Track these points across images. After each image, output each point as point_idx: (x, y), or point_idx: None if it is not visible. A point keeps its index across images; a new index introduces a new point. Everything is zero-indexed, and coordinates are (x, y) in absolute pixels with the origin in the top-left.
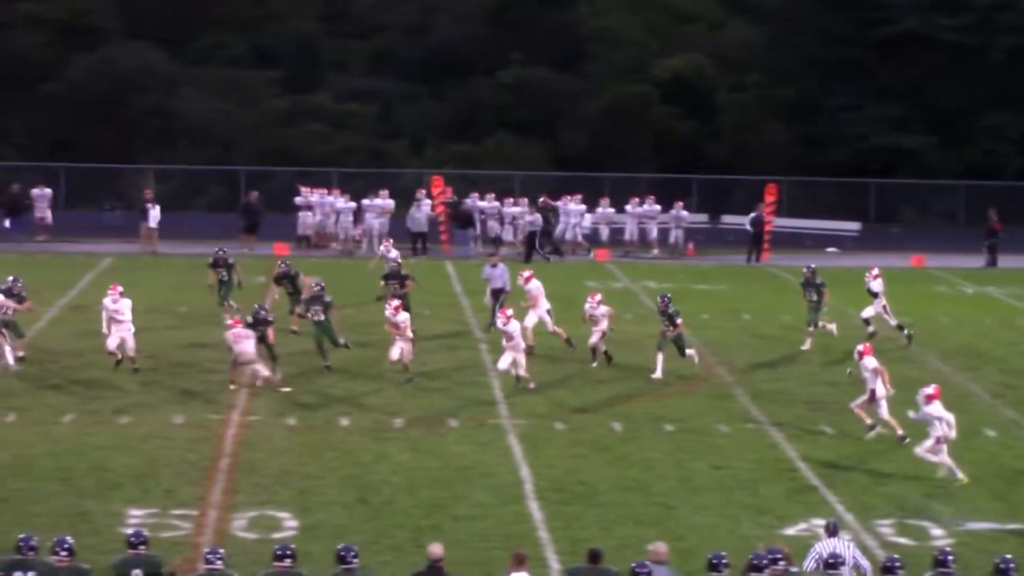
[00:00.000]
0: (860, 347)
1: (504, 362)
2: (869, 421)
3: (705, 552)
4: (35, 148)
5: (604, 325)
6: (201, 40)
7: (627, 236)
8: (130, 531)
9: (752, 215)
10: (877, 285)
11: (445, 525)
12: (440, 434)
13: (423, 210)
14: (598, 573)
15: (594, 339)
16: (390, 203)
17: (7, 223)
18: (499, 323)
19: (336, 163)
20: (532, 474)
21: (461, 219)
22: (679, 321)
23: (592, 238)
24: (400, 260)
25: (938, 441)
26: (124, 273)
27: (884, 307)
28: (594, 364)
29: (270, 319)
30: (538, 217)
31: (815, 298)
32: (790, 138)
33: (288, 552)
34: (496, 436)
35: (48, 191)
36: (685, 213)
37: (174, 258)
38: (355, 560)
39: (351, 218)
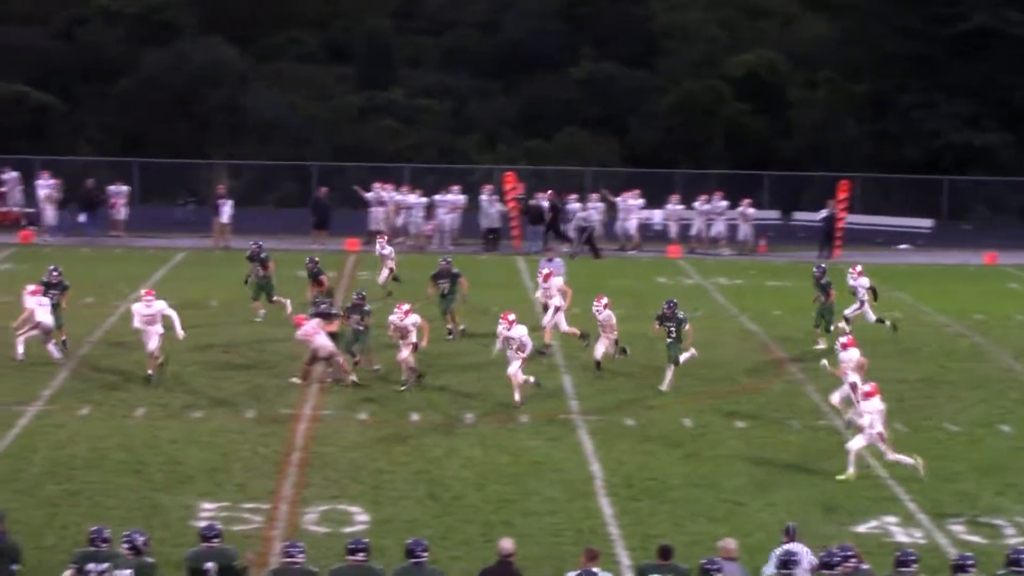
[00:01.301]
0: (843, 339)
1: (513, 368)
2: (849, 416)
3: (775, 549)
4: (109, 143)
5: (615, 334)
6: (274, 36)
7: (694, 232)
8: (203, 524)
9: (823, 211)
10: (865, 281)
11: (515, 520)
12: (510, 429)
13: (495, 206)
14: (668, 569)
15: (604, 348)
16: (461, 199)
17: (82, 218)
18: (501, 328)
19: (408, 159)
20: (602, 469)
21: (533, 215)
22: (688, 328)
23: (663, 234)
24: (393, 258)
25: (876, 438)
26: (196, 267)
27: (864, 303)
28: (597, 372)
29: (335, 312)
30: (592, 212)
31: (823, 299)
32: (863, 134)
33: (361, 546)
34: (566, 431)
35: (125, 187)
36: (752, 210)
37: (246, 253)
38: (424, 554)
39: (422, 214)
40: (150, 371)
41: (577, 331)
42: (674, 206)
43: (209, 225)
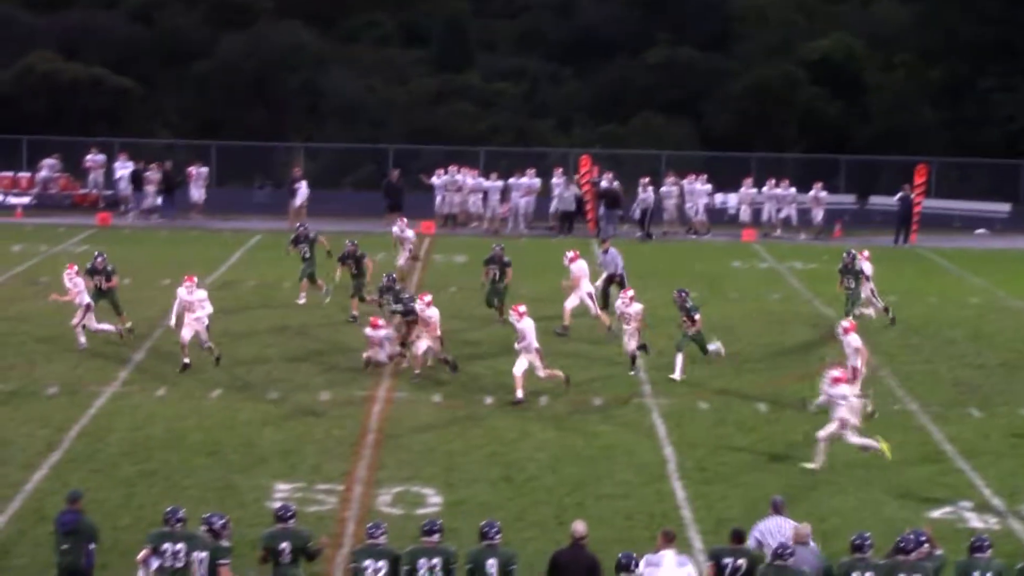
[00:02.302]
0: (844, 323)
1: (519, 367)
2: (868, 408)
3: (848, 533)
4: (187, 126)
5: (635, 325)
6: (352, 19)
7: (764, 217)
8: (277, 505)
9: (899, 196)
10: (868, 267)
11: (588, 503)
12: (584, 412)
13: (571, 189)
14: (741, 553)
15: (631, 343)
16: (536, 182)
17: (160, 200)
18: (512, 318)
19: (483, 142)
20: (676, 453)
21: (609, 199)
22: (698, 316)
23: (736, 218)
24: (413, 241)
25: (842, 425)
26: (272, 250)
27: (872, 290)
28: (633, 372)
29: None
30: (650, 195)
31: (853, 285)
32: (940, 119)
33: (435, 527)
34: (640, 415)
35: (204, 170)
36: (824, 194)
37: (322, 235)
38: (498, 536)
39: (498, 197)
40: (186, 360)
41: (606, 320)
42: (747, 190)
43: (285, 208)
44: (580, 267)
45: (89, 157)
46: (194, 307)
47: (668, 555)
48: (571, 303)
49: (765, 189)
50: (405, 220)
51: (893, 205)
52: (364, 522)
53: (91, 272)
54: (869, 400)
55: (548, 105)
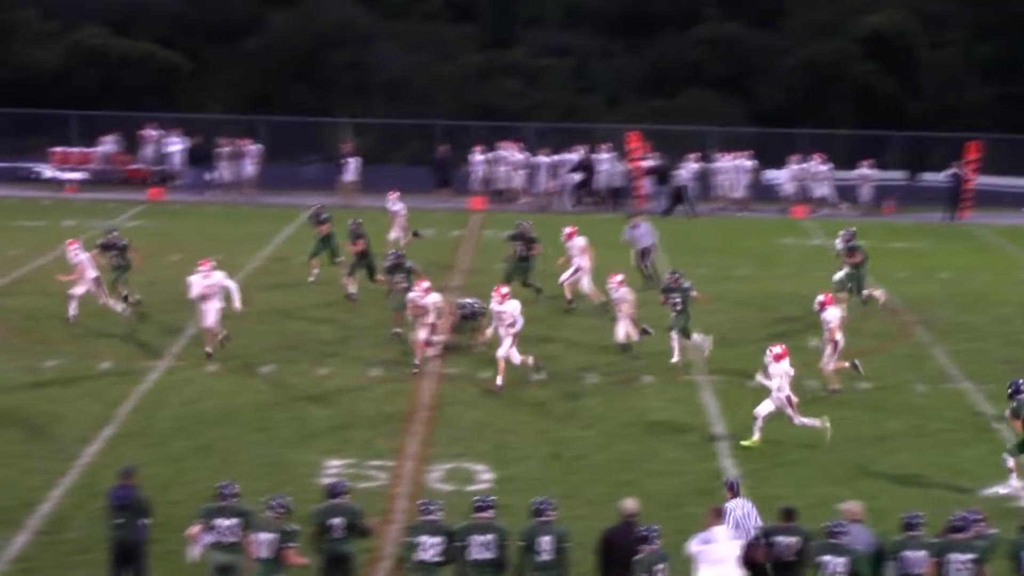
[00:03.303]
0: (821, 297)
1: (504, 348)
2: (836, 386)
3: (899, 512)
4: (236, 102)
5: (626, 309)
6: None
7: (818, 193)
8: (329, 481)
9: (948, 172)
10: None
11: (638, 480)
12: (634, 390)
13: (617, 165)
14: (791, 531)
15: (624, 328)
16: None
17: (210, 175)
18: (494, 303)
19: (531, 118)
20: (726, 431)
21: (658, 175)
22: (695, 294)
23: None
24: (405, 215)
25: (782, 402)
26: None
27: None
28: (627, 353)
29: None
30: (684, 172)
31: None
32: (991, 95)
33: (488, 503)
34: (689, 392)
35: (255, 147)
36: (872, 171)
37: (371, 211)
38: (552, 513)
39: (545, 173)
40: (209, 348)
41: (602, 297)
42: (795, 166)
43: (335, 183)
44: (577, 244)
45: (147, 131)
46: (213, 292)
47: (720, 531)
48: (586, 283)
49: (804, 165)
50: (397, 193)
51: (944, 181)
52: (415, 499)
53: (105, 248)
54: (859, 363)
55: (596, 81)
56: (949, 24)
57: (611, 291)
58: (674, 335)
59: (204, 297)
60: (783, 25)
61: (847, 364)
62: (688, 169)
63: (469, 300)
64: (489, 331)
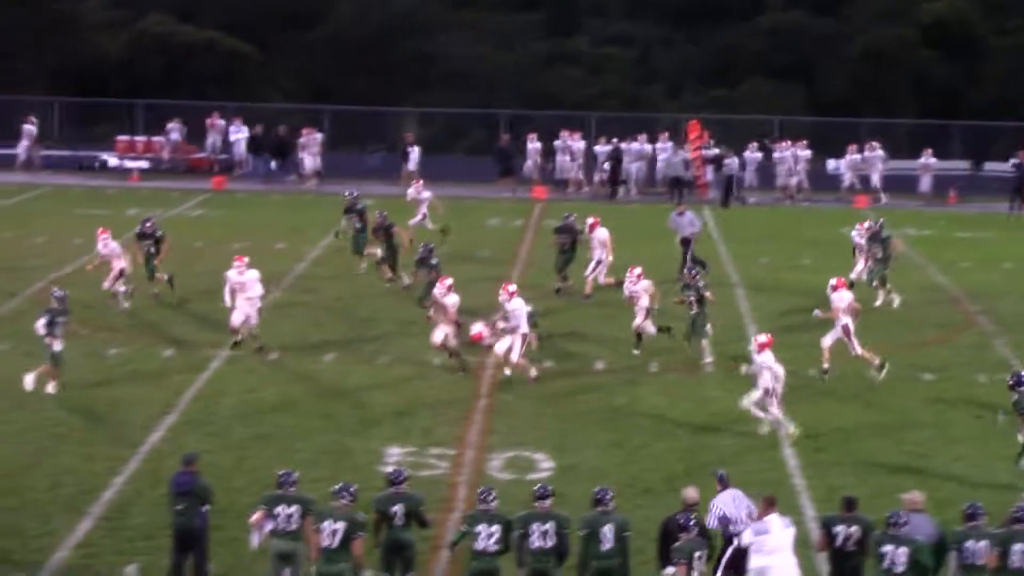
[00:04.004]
0: (833, 281)
1: (509, 347)
2: (877, 361)
3: (961, 502)
4: (300, 91)
5: (645, 302)
6: None
7: (846, 184)
8: (390, 469)
9: (1013, 162)
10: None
11: (698, 470)
12: (695, 379)
13: (680, 155)
14: (853, 520)
15: (638, 320)
16: (647, 148)
17: (273, 164)
18: (501, 298)
19: (593, 107)
20: (787, 421)
21: (718, 164)
22: (707, 294)
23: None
24: (428, 203)
25: (766, 393)
26: None
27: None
28: (636, 351)
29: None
30: (736, 160)
31: (880, 255)
32: None
33: (548, 492)
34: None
35: (319, 136)
36: (933, 160)
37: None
38: (612, 502)
39: (605, 162)
40: (237, 339)
41: (613, 280)
42: (853, 155)
43: (398, 172)
44: (599, 235)
45: (212, 120)
46: (246, 288)
47: (774, 520)
48: (592, 272)
49: (856, 155)
50: (421, 182)
51: (1008, 171)
52: (475, 487)
53: (140, 236)
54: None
55: (658, 70)
56: (1013, 12)
57: (630, 285)
58: (704, 343)
59: (238, 293)
60: (845, 13)
61: (866, 353)
62: (744, 158)
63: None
64: (501, 324)
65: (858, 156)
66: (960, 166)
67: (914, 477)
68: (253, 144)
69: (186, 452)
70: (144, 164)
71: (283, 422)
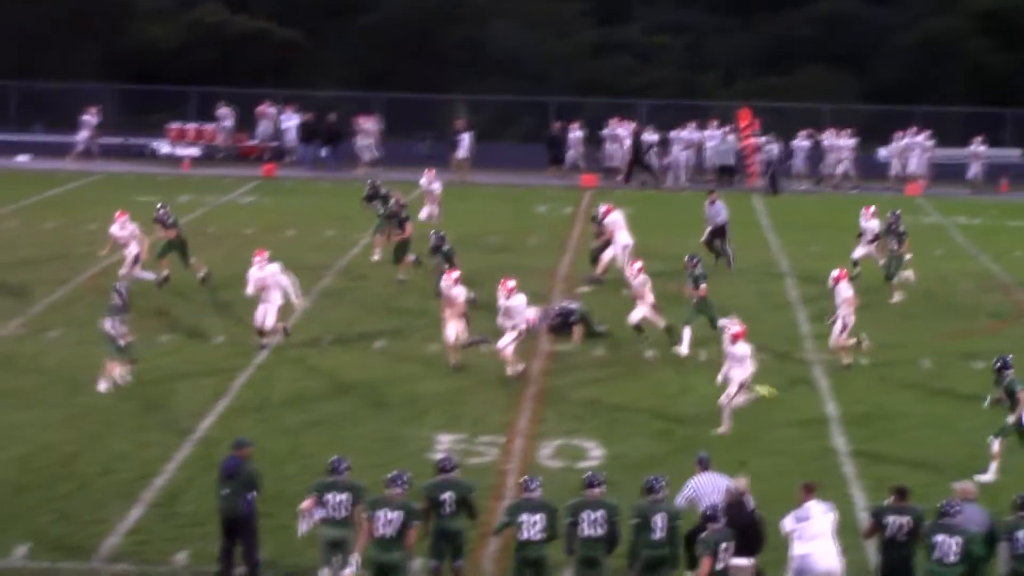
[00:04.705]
0: (835, 272)
1: (505, 340)
2: (849, 360)
3: (1012, 492)
4: (352, 79)
5: (650, 297)
6: None
7: (893, 172)
8: (440, 456)
9: None
10: (873, 224)
11: (749, 458)
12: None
13: (730, 142)
14: (905, 510)
15: (635, 314)
16: (697, 135)
17: (324, 152)
18: (501, 298)
19: (644, 95)
20: (838, 409)
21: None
22: (703, 286)
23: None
24: (439, 193)
25: (741, 386)
26: None
27: (875, 247)
28: (643, 345)
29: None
30: (775, 147)
31: (896, 247)
32: None
33: (599, 480)
34: (802, 370)
35: (374, 122)
36: (983, 148)
37: (485, 187)
38: (663, 491)
39: (655, 151)
40: (265, 341)
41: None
42: (899, 143)
43: (449, 160)
44: (614, 220)
45: (263, 108)
46: (269, 285)
47: (814, 506)
48: (607, 255)
49: (912, 140)
50: (433, 172)
51: None
52: (525, 475)
53: (154, 223)
54: (865, 338)
55: (710, 58)
56: None
57: (630, 278)
58: (687, 327)
59: (261, 290)
60: (900, 2)
61: (853, 341)
62: (792, 146)
63: (569, 304)
64: (538, 314)
65: (902, 142)
66: (1013, 154)
67: (967, 466)
68: (304, 132)
69: (238, 437)
70: (195, 151)
71: (334, 409)
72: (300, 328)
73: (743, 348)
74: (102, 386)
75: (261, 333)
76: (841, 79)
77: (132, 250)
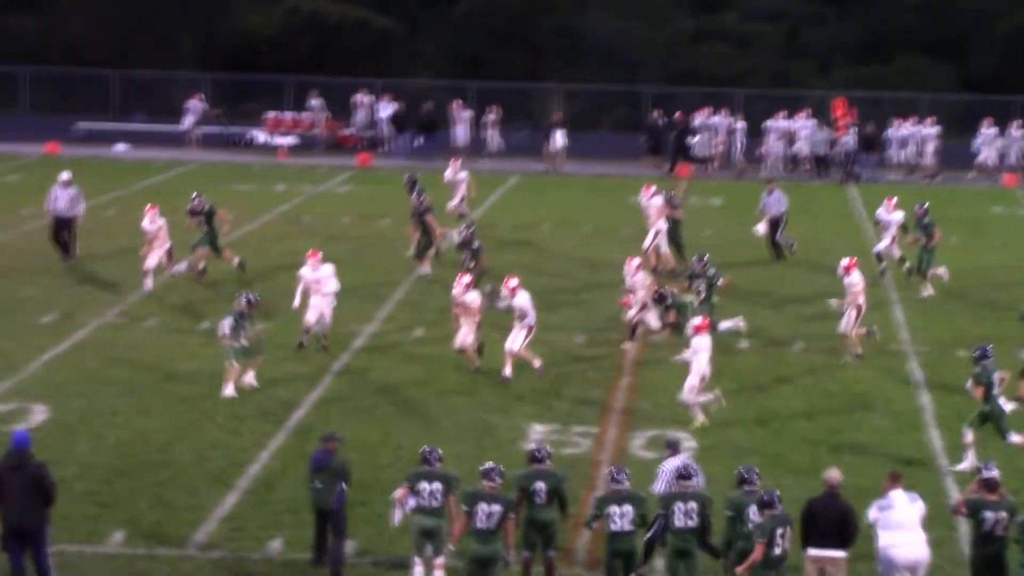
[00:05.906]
0: (845, 261)
1: (514, 341)
2: (859, 351)
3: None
4: (447, 67)
5: (641, 295)
6: None
7: (980, 159)
8: (533, 446)
9: None
10: (897, 216)
11: (843, 451)
12: (840, 359)
13: (823, 132)
14: (1003, 505)
15: (631, 313)
16: (786, 125)
17: (418, 141)
18: (502, 295)
19: (740, 84)
20: (933, 401)
21: (866, 143)
22: (722, 282)
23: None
24: (467, 183)
25: (702, 380)
26: (529, 191)
27: (894, 238)
28: (627, 345)
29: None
30: (851, 139)
31: (925, 241)
32: None
33: (692, 471)
34: (897, 362)
35: (468, 113)
36: None
37: (578, 177)
38: (757, 482)
39: (745, 140)
40: (305, 339)
41: (670, 263)
42: (986, 130)
43: (542, 149)
44: (655, 204)
45: (359, 97)
46: (321, 285)
47: (899, 495)
48: (647, 243)
49: (990, 130)
50: (459, 162)
51: None
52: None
53: (190, 213)
54: (876, 329)
55: (807, 47)
56: None
57: (627, 275)
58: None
59: (312, 291)
60: None
61: (864, 331)
62: (887, 136)
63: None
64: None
65: (991, 131)
66: None
67: None
68: (397, 121)
69: (327, 430)
70: (292, 140)
71: (427, 398)
72: (393, 317)
73: (702, 341)
74: (227, 391)
75: (307, 332)
76: (938, 68)
77: (164, 245)
